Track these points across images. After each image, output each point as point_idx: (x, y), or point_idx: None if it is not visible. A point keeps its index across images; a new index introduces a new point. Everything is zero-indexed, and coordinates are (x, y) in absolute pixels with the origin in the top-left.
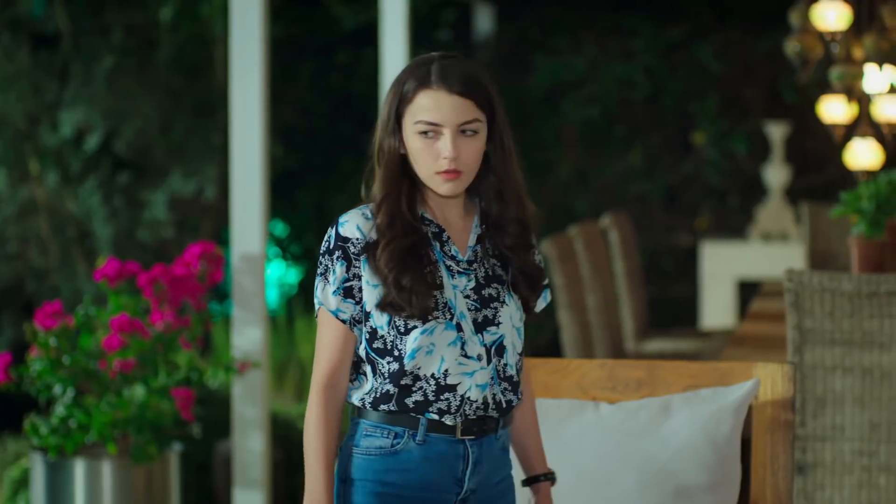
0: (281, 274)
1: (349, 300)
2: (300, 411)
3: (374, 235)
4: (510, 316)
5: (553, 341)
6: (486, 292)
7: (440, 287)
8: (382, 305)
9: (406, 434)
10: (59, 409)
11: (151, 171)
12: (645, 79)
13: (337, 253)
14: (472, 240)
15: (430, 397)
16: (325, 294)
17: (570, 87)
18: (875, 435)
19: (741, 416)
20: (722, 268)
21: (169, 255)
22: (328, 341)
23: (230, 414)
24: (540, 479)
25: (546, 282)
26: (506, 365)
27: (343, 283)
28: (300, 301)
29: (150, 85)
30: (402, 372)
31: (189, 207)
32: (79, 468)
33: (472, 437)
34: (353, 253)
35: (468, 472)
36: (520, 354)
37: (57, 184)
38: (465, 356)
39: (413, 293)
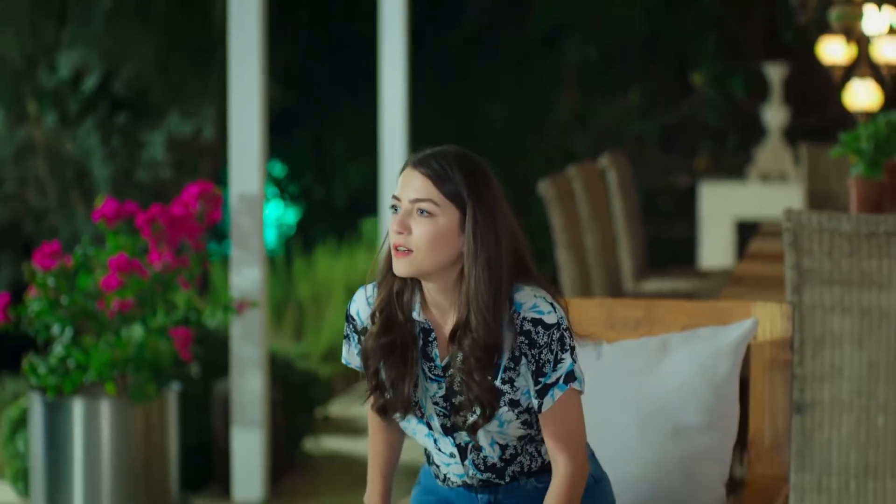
0: (279, 214)
1: None
2: (299, 351)
3: (369, 323)
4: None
5: (552, 280)
6: (457, 400)
7: (415, 386)
8: (374, 409)
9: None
10: (58, 349)
11: (150, 111)
12: (643, 19)
13: (348, 327)
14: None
15: (429, 461)
16: (350, 355)
17: (569, 27)
18: (873, 375)
19: (739, 355)
20: (720, 208)
21: (167, 195)
22: (371, 433)
23: (228, 354)
24: None
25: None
26: (485, 457)
27: (358, 352)
28: (298, 241)
29: (148, 25)
30: None
31: (187, 148)
32: (77, 408)
33: (482, 491)
34: (360, 330)
35: None
36: (522, 438)
37: (55, 124)
38: (439, 450)
39: (394, 392)
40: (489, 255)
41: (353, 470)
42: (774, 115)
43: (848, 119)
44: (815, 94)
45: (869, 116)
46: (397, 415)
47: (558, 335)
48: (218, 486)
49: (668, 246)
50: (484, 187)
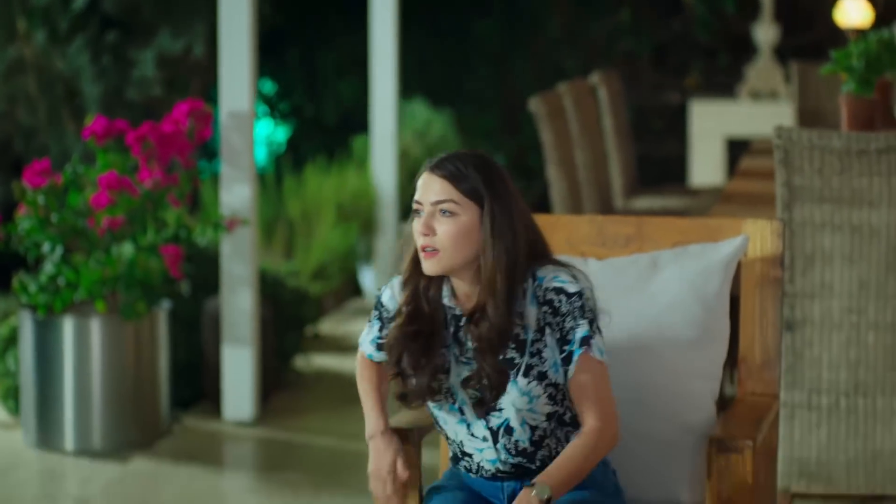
0: (269, 132)
1: (381, 352)
2: (289, 269)
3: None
4: (512, 402)
5: (542, 197)
6: (486, 381)
7: (446, 372)
8: (396, 397)
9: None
10: (48, 268)
11: (140, 29)
12: None
13: (375, 313)
14: None
15: (458, 455)
16: (364, 340)
17: None
18: (864, 292)
19: (730, 272)
20: (711, 126)
21: (157, 113)
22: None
23: (219, 271)
24: (531, 484)
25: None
26: (517, 441)
27: (377, 339)
28: (288, 159)
29: None
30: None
31: (178, 65)
32: (67, 326)
33: (509, 480)
34: (386, 318)
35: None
36: (551, 417)
37: (45, 42)
38: (473, 436)
39: (409, 377)
40: (506, 247)
41: (343, 388)
42: (765, 32)
43: (839, 37)
44: (806, 11)
45: (860, 34)
46: (418, 402)
47: (580, 303)
48: (208, 404)
49: (659, 163)
50: (499, 183)
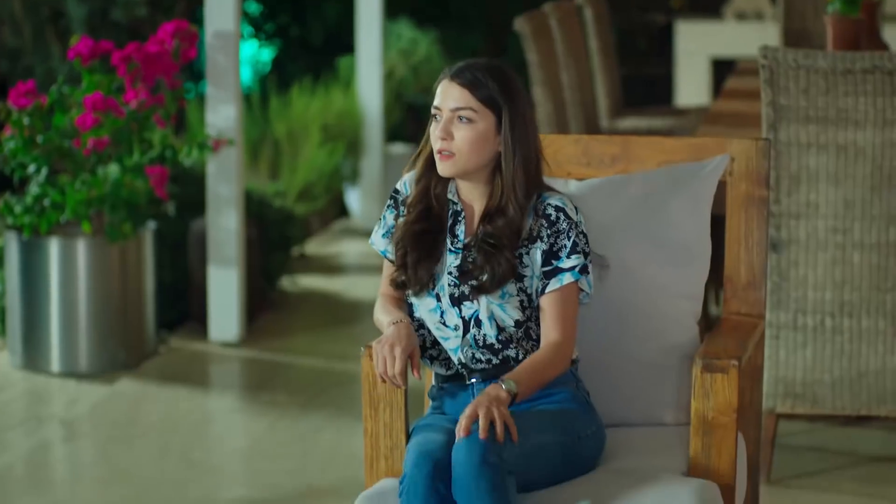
0: (254, 52)
1: (391, 245)
2: (275, 189)
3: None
4: (486, 296)
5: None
6: (468, 268)
7: (437, 261)
8: (394, 284)
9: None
10: (34, 189)
11: None
12: None
13: (390, 201)
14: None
15: (427, 344)
16: (376, 236)
17: None
18: (849, 212)
19: (710, 190)
20: (696, 46)
21: (143, 34)
22: (383, 273)
23: (204, 192)
24: (498, 382)
25: (551, 268)
26: (485, 335)
27: (390, 228)
28: (274, 79)
29: None
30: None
31: None
32: (53, 247)
33: (474, 380)
34: (401, 201)
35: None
36: (519, 325)
37: None
38: (444, 324)
39: (416, 272)
40: (525, 154)
41: (329, 308)
42: None
43: None
44: None
45: None
46: (411, 291)
47: (578, 230)
48: (194, 325)
49: (645, 84)
50: (516, 93)
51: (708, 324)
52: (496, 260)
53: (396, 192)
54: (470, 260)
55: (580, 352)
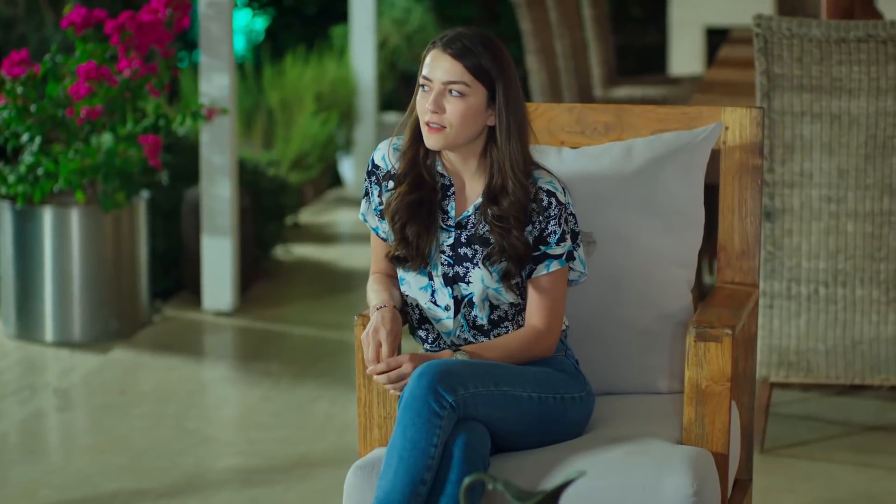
0: (248, 21)
1: (385, 220)
2: (268, 158)
3: (397, 166)
4: (482, 278)
5: (522, 86)
6: (462, 251)
7: (435, 234)
8: (395, 259)
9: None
10: (27, 158)
11: None
12: None
13: (371, 178)
14: (472, 204)
15: (416, 324)
16: (368, 212)
17: None
18: (843, 181)
19: (703, 158)
20: (690, 15)
21: (137, 3)
22: (372, 250)
23: (198, 161)
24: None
25: (552, 252)
26: (476, 317)
27: (379, 205)
28: (267, 48)
29: None
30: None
31: None
32: (47, 216)
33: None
34: (382, 177)
35: None
36: (514, 306)
37: None
38: (435, 303)
39: (418, 245)
40: (520, 128)
41: (323, 277)
42: None
43: None
44: None
45: None
46: (411, 265)
47: (567, 215)
48: (188, 294)
49: (639, 52)
50: (508, 65)
51: (702, 293)
52: (510, 242)
53: (376, 167)
54: (464, 241)
55: (572, 319)
